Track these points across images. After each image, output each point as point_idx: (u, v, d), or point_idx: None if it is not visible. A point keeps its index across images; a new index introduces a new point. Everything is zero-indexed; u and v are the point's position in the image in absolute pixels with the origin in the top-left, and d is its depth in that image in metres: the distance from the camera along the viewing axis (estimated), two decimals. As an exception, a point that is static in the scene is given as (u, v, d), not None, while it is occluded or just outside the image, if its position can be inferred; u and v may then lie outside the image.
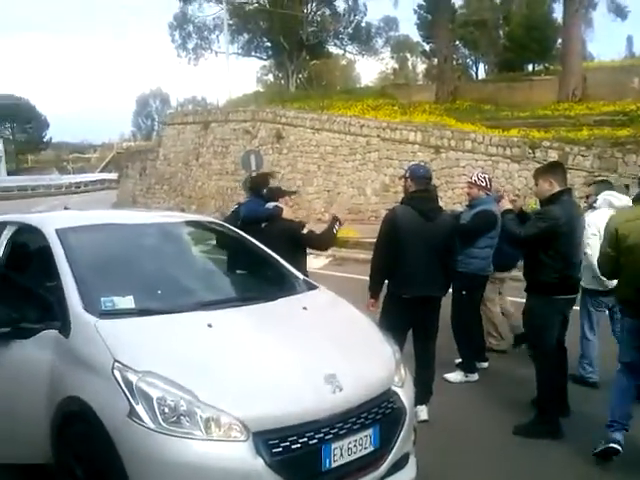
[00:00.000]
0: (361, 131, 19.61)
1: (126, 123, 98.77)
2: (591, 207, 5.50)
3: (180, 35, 38.73)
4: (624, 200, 5.06)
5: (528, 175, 14.09)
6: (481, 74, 41.75)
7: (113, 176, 43.94)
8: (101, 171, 57.82)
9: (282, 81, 40.16)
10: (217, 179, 23.94)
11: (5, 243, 3.94)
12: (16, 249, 3.91)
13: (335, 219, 5.26)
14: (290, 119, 21.96)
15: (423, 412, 4.56)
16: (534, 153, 15.71)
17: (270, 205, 5.26)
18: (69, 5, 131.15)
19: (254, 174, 12.89)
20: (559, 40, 28.25)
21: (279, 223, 5.08)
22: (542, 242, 4.30)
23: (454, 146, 17.36)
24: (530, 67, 34.17)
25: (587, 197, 6.05)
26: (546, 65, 32.26)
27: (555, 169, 4.58)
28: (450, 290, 4.95)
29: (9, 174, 56.74)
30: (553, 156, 15.42)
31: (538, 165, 15.35)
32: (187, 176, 25.39)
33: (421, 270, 4.46)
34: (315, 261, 13.11)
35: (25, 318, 3.20)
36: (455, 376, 5.44)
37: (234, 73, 59.46)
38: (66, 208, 5.15)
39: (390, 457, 3.04)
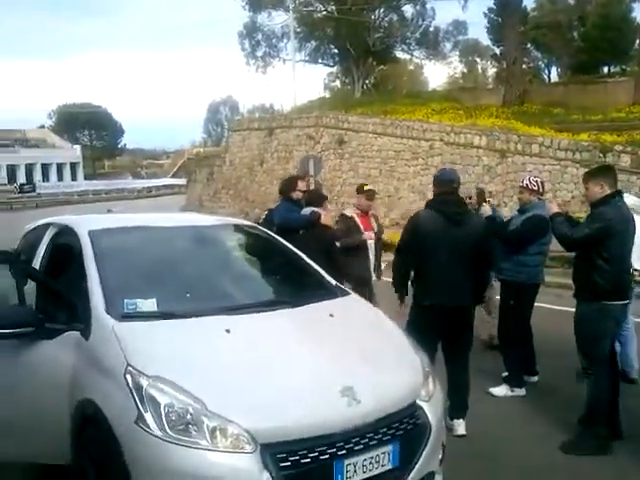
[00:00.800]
0: (424, 135, 19.31)
1: (197, 130, 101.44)
2: None
3: (249, 43, 39.44)
4: None
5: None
6: (554, 77, 40.39)
7: (182, 181, 45.22)
8: (172, 176, 59.71)
9: (349, 87, 40.16)
10: (280, 184, 24.13)
11: (46, 244, 4.03)
12: (55, 250, 3.98)
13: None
14: (352, 124, 21.90)
15: (460, 427, 4.34)
16: (605, 157, 14.98)
17: (307, 211, 5.16)
18: (145, 21, 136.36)
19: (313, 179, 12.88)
20: (637, 41, 26.96)
21: (317, 231, 4.97)
22: (596, 244, 4.14)
23: (520, 150, 16.80)
24: (605, 69, 32.76)
25: None
26: (623, 67, 30.87)
27: (606, 172, 4.46)
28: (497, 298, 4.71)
29: (86, 179, 59.56)
30: (625, 160, 14.68)
31: (610, 170, 14.80)
32: (251, 181, 25.73)
33: (445, 277, 4.24)
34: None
35: (50, 318, 3.24)
36: (500, 390, 5.16)
37: (301, 80, 60.19)
38: (109, 211, 5.22)
39: (411, 476, 2.87)
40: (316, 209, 5.19)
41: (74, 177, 61.10)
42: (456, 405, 4.38)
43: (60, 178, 59.49)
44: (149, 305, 3.20)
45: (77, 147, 64.36)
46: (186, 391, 2.62)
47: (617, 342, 4.78)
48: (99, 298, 3.16)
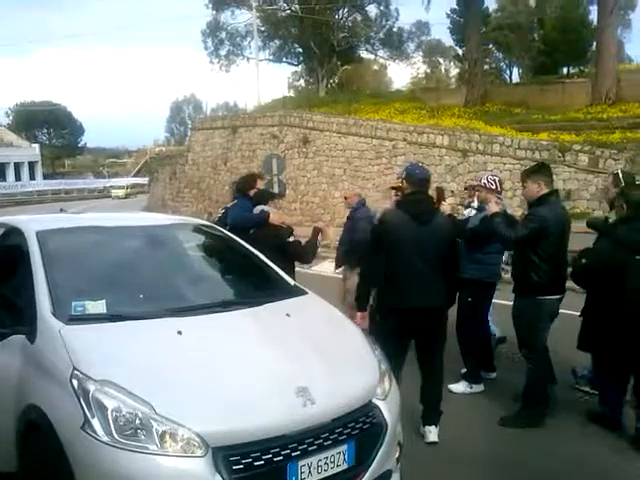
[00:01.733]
0: (387, 135, 19.41)
1: (160, 129, 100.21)
2: None
3: (213, 42, 39.11)
4: None
5: (556, 179, 13.68)
6: (515, 78, 41.04)
7: (144, 180, 44.63)
8: (134, 175, 58.83)
9: (313, 86, 40.14)
10: (244, 183, 23.96)
11: (-7, 245, 3.89)
12: (2, 251, 3.87)
13: (317, 230, 5.16)
14: (317, 123, 21.88)
15: (431, 433, 4.27)
16: (564, 157, 15.29)
17: (257, 210, 5.11)
18: (105, 16, 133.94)
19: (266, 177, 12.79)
20: (594, 43, 27.55)
21: (266, 229, 4.93)
22: (532, 243, 4.35)
23: (482, 150, 17.02)
24: (565, 70, 33.44)
25: None
26: (581, 68, 31.59)
27: (544, 170, 4.60)
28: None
29: (45, 178, 58.14)
30: (583, 160, 15.00)
31: (568, 169, 15.11)
32: (215, 180, 25.52)
33: (412, 279, 4.09)
34: (331, 265, 12.93)
35: (-4, 322, 3.11)
36: (458, 387, 5.18)
37: (265, 79, 59.87)
38: (62, 210, 5.07)
39: (367, 475, 2.85)
40: (265, 208, 5.15)
41: (32, 176, 59.57)
42: (429, 411, 4.33)
43: (18, 178, 57.92)
44: (98, 307, 3.11)
45: (36, 146, 62.78)
46: (134, 395, 2.54)
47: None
48: (45, 300, 3.06)
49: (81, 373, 2.63)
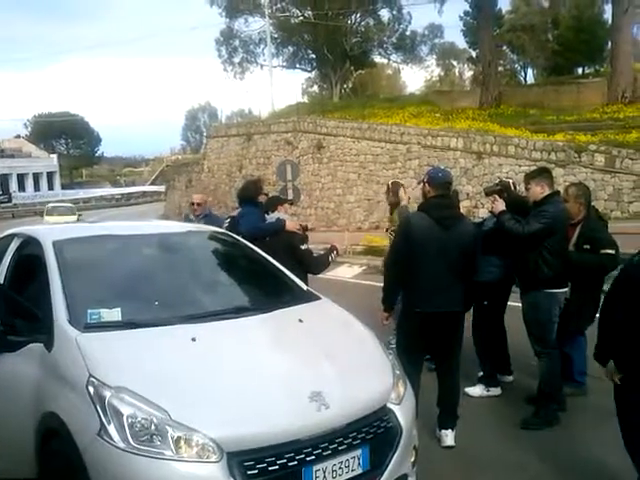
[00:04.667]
0: (401, 139, 19.43)
1: (176, 137, 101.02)
2: None
3: (227, 50, 39.44)
4: None
5: (574, 180, 13.59)
6: (530, 79, 40.82)
7: (161, 188, 44.94)
8: (151, 184, 59.27)
9: (326, 92, 40.25)
10: (259, 190, 24.07)
11: (11, 255, 3.95)
12: (19, 260, 3.91)
13: (333, 248, 5.36)
14: (330, 129, 21.96)
15: (448, 437, 4.26)
16: (580, 157, 15.20)
17: (272, 218, 5.14)
18: (120, 28, 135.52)
19: (287, 184, 12.83)
20: (610, 42, 27.31)
21: (282, 236, 4.96)
22: (541, 238, 4.51)
23: (497, 152, 16.99)
24: (580, 70, 33.20)
25: None
26: (596, 68, 31.33)
27: (545, 173, 4.83)
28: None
29: (63, 188, 58.91)
30: (600, 160, 14.89)
31: (584, 169, 14.98)
32: (230, 187, 25.67)
33: (437, 283, 4.13)
34: (348, 270, 12.97)
35: (13, 331, 3.16)
36: (475, 390, 5.16)
37: (279, 86, 60.21)
38: (79, 220, 5.13)
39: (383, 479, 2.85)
40: (281, 215, 5.19)
41: (51, 187, 60.47)
42: (446, 414, 4.32)
43: (37, 188, 58.84)
44: (113, 315, 3.14)
45: (54, 156, 63.72)
46: (149, 401, 2.57)
47: None
48: (62, 309, 3.10)
49: (97, 380, 2.67)
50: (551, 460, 4.05)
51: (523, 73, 43.51)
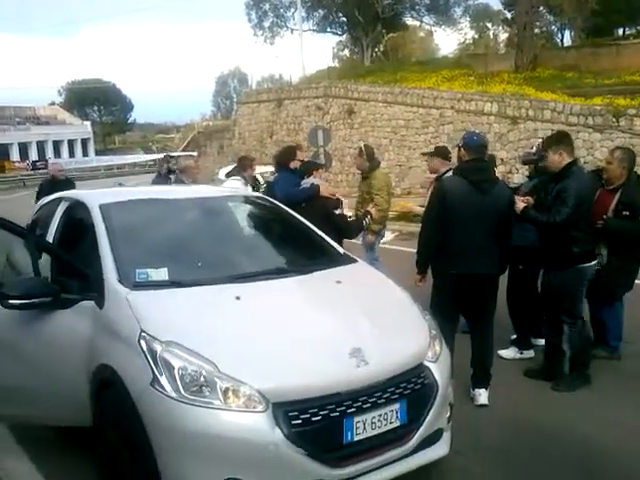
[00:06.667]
0: (434, 103, 19.16)
1: (207, 103, 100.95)
2: None
3: (256, 14, 39.00)
4: None
5: (611, 145, 13.30)
6: (567, 41, 39.53)
7: (193, 154, 45.22)
8: (183, 150, 59.48)
9: (358, 56, 39.67)
10: (290, 156, 24.10)
11: (59, 218, 4.11)
12: (67, 223, 4.07)
13: (367, 213, 5.43)
14: (362, 94, 21.74)
15: (482, 396, 4.37)
16: (618, 122, 14.82)
17: (307, 183, 5.21)
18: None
19: (319, 150, 12.85)
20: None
21: (317, 201, 5.04)
22: (575, 219, 4.36)
23: (532, 116, 16.64)
24: (620, 31, 32.04)
25: None
26: (638, 28, 30.16)
27: (563, 139, 4.57)
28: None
29: (97, 154, 59.78)
30: (639, 124, 14.49)
31: (623, 134, 14.63)
32: (261, 153, 25.67)
33: (471, 245, 4.20)
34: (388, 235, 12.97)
35: (65, 289, 3.33)
36: (509, 352, 5.24)
37: (310, 50, 59.49)
38: (120, 185, 5.29)
39: (419, 433, 2.96)
40: (315, 180, 5.26)
41: (85, 153, 61.37)
42: (479, 374, 4.43)
43: (72, 154, 59.76)
44: (160, 274, 3.28)
45: (87, 123, 64.48)
46: (199, 355, 2.71)
47: None
48: (112, 268, 3.25)
49: (148, 335, 2.81)
50: (584, 420, 4.13)
51: (560, 35, 42.04)
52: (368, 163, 6.48)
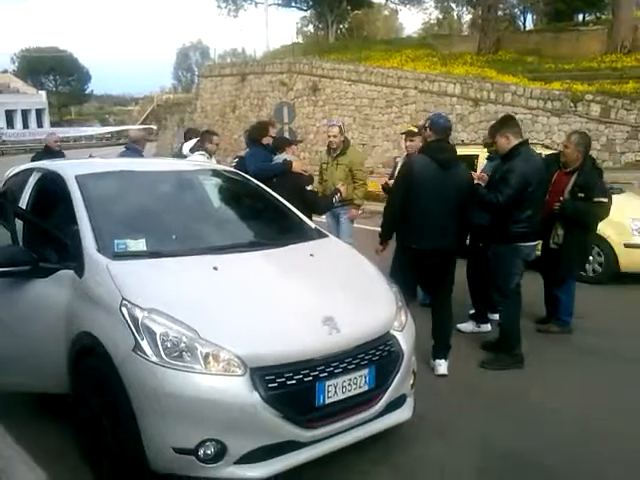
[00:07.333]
0: (398, 83, 19.31)
1: (167, 76, 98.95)
2: None
3: (220, -15, 38.26)
4: None
5: (568, 129, 13.73)
6: (529, 25, 40.09)
7: (152, 127, 44.45)
8: (141, 123, 58.38)
9: (322, 32, 39.43)
10: (253, 132, 23.96)
11: (31, 188, 4.12)
12: (40, 194, 4.08)
13: (337, 191, 5.60)
14: (326, 71, 21.74)
15: (441, 366, 4.62)
16: (576, 107, 15.27)
17: (279, 159, 5.32)
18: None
19: (285, 126, 12.89)
20: (612, -12, 26.86)
21: (289, 177, 5.16)
22: (521, 197, 4.50)
23: (493, 99, 16.98)
24: (581, 17, 32.66)
25: None
26: (597, 15, 30.82)
27: (508, 122, 4.77)
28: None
29: (52, 126, 57.86)
30: (595, 110, 14.98)
31: (580, 119, 15.09)
32: (224, 129, 25.46)
33: (433, 222, 4.42)
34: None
35: (44, 258, 3.39)
36: (467, 326, 5.51)
37: (274, 24, 58.77)
38: (91, 156, 5.30)
39: (385, 397, 3.17)
40: (287, 156, 5.36)
41: (40, 124, 59.38)
42: (439, 345, 4.67)
43: (26, 125, 57.81)
44: (138, 245, 3.37)
45: (42, 93, 62.33)
46: (179, 321, 2.83)
47: None
48: (91, 239, 3.31)
49: (130, 303, 2.91)
50: (533, 386, 4.43)
51: (522, 18, 42.68)
52: (344, 139, 6.59)
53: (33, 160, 8.24)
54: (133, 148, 7.53)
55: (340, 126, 6.65)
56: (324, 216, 6.46)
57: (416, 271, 4.55)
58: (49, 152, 8.46)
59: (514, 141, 4.60)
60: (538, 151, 6.00)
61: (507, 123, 4.75)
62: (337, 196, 5.52)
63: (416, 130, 5.85)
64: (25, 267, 3.30)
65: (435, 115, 4.86)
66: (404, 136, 6.02)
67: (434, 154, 4.48)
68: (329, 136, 6.53)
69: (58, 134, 10.73)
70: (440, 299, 4.71)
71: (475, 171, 5.52)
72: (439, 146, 4.53)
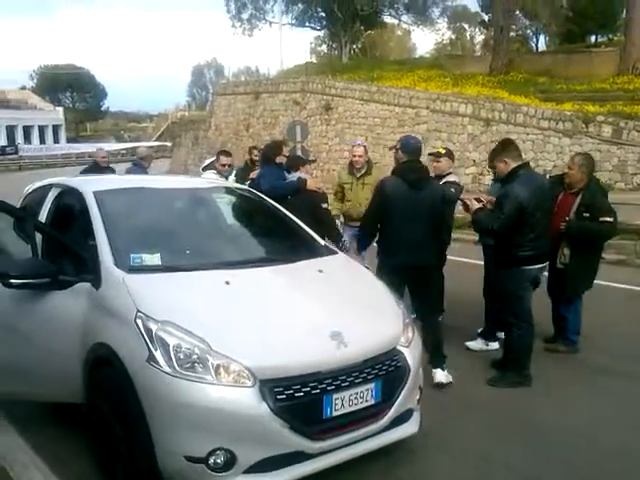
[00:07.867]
0: (410, 102, 19.50)
1: (182, 94, 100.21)
2: None
3: (235, 5, 38.94)
4: None
5: (580, 150, 13.78)
6: (542, 46, 40.34)
7: (166, 144, 45.01)
8: (156, 140, 59.13)
9: (335, 52, 39.88)
10: (266, 149, 24.22)
11: (50, 203, 4.26)
12: (59, 209, 4.22)
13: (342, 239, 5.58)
14: (339, 90, 22.00)
15: (437, 375, 4.70)
16: (587, 128, 15.32)
17: (294, 177, 5.41)
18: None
19: (297, 145, 13.05)
20: (625, 10, 27.00)
21: (304, 194, 5.26)
22: (518, 222, 4.53)
23: (505, 119, 17.08)
24: (593, 38, 32.84)
25: None
26: (610, 37, 30.98)
27: (506, 147, 4.82)
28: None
29: (68, 141, 58.81)
30: (607, 131, 15.03)
31: (591, 140, 15.15)
32: (237, 146, 25.76)
33: (409, 239, 4.57)
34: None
35: (62, 271, 3.51)
36: (475, 344, 5.56)
37: (288, 44, 59.53)
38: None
39: (391, 411, 3.24)
40: (302, 175, 5.46)
41: (56, 140, 60.37)
42: (432, 355, 4.73)
43: (42, 141, 58.77)
44: (154, 259, 3.49)
45: (59, 109, 63.47)
46: (192, 334, 2.93)
47: None
48: (107, 252, 3.44)
49: (144, 315, 3.02)
50: (540, 403, 4.46)
51: (535, 39, 42.93)
52: (367, 159, 6.63)
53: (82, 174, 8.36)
54: (139, 165, 7.93)
55: (365, 146, 6.71)
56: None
57: (398, 283, 4.56)
58: (98, 167, 8.40)
59: (512, 164, 4.65)
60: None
61: (505, 148, 4.81)
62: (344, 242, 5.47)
63: (444, 152, 5.99)
64: (45, 279, 3.42)
65: (405, 137, 5.06)
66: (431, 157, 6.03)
67: (405, 175, 4.66)
68: (354, 156, 6.50)
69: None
70: (426, 311, 4.81)
71: None
72: (410, 167, 4.71)
